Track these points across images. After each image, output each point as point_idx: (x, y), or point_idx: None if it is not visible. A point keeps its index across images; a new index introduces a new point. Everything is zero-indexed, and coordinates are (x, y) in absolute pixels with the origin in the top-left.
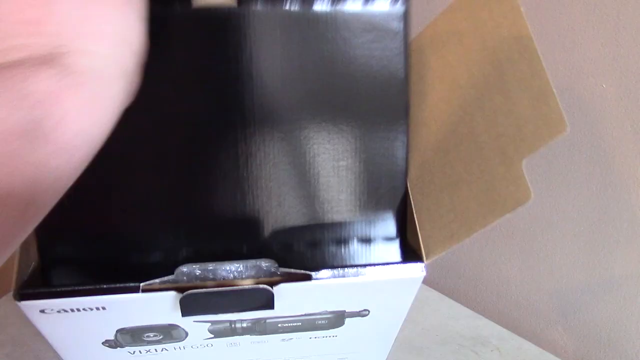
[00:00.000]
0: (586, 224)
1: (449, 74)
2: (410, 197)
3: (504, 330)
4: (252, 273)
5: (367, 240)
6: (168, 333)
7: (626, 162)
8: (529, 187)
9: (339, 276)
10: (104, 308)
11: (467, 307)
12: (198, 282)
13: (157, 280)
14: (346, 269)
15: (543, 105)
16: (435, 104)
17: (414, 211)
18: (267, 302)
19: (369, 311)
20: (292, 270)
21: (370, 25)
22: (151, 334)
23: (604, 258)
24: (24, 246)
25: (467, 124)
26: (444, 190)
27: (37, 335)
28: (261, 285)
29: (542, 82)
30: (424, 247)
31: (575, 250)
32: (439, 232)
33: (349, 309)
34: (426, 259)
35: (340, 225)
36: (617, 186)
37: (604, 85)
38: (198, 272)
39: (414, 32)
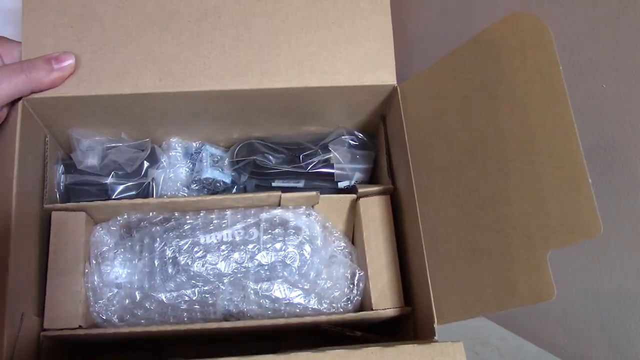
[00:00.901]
0: None
1: (472, 120)
2: (423, 245)
3: (504, 330)
4: None
5: None
6: None
7: (626, 162)
8: (552, 284)
9: None
10: None
11: None
12: None
13: None
14: None
15: (575, 194)
16: (455, 150)
17: (427, 267)
18: None
19: None
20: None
21: None
22: None
23: (604, 258)
24: None
25: (490, 188)
26: (461, 255)
27: None
28: None
29: (577, 166)
30: (435, 309)
31: (576, 250)
32: (452, 299)
33: None
34: (437, 322)
35: None
36: (617, 186)
37: (604, 85)
38: None
39: (431, 43)
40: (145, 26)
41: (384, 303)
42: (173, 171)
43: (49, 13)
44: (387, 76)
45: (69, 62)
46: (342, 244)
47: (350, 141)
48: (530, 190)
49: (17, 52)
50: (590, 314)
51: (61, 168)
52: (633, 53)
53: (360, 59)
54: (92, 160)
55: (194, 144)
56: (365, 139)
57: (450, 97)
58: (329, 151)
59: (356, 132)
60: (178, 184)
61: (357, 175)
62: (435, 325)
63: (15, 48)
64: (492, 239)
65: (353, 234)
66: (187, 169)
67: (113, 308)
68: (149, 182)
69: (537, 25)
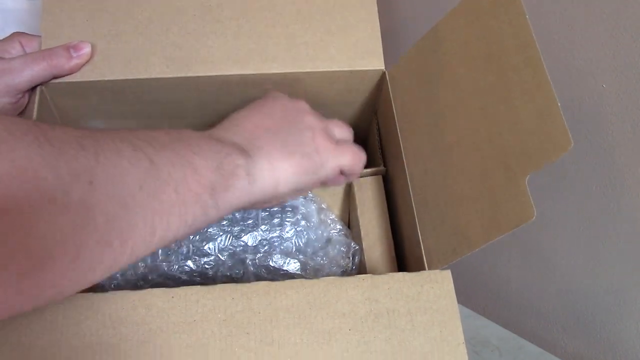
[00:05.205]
0: (586, 223)
1: (453, 80)
2: (413, 206)
3: (504, 330)
4: None
5: None
6: None
7: (626, 161)
8: (532, 205)
9: None
10: None
11: (467, 307)
12: None
13: None
14: None
15: (548, 119)
16: (440, 110)
17: (417, 221)
18: None
19: None
20: None
21: None
22: None
23: (604, 258)
24: None
25: (470, 135)
26: (448, 204)
27: None
28: None
29: (547, 94)
30: (426, 258)
31: (575, 250)
32: (441, 245)
33: None
34: (428, 268)
35: None
36: (617, 186)
37: (604, 85)
38: None
39: (419, 33)
40: (154, 19)
41: (378, 272)
42: None
43: (66, 9)
44: (375, 62)
45: (86, 50)
46: (339, 227)
47: None
48: (508, 126)
49: (36, 43)
50: (590, 314)
51: None
52: (633, 53)
53: (351, 47)
54: None
55: None
56: None
57: (433, 66)
58: None
59: None
60: None
61: None
62: None
63: (34, 40)
64: (476, 180)
65: (349, 217)
66: None
67: (116, 282)
68: None
69: None
